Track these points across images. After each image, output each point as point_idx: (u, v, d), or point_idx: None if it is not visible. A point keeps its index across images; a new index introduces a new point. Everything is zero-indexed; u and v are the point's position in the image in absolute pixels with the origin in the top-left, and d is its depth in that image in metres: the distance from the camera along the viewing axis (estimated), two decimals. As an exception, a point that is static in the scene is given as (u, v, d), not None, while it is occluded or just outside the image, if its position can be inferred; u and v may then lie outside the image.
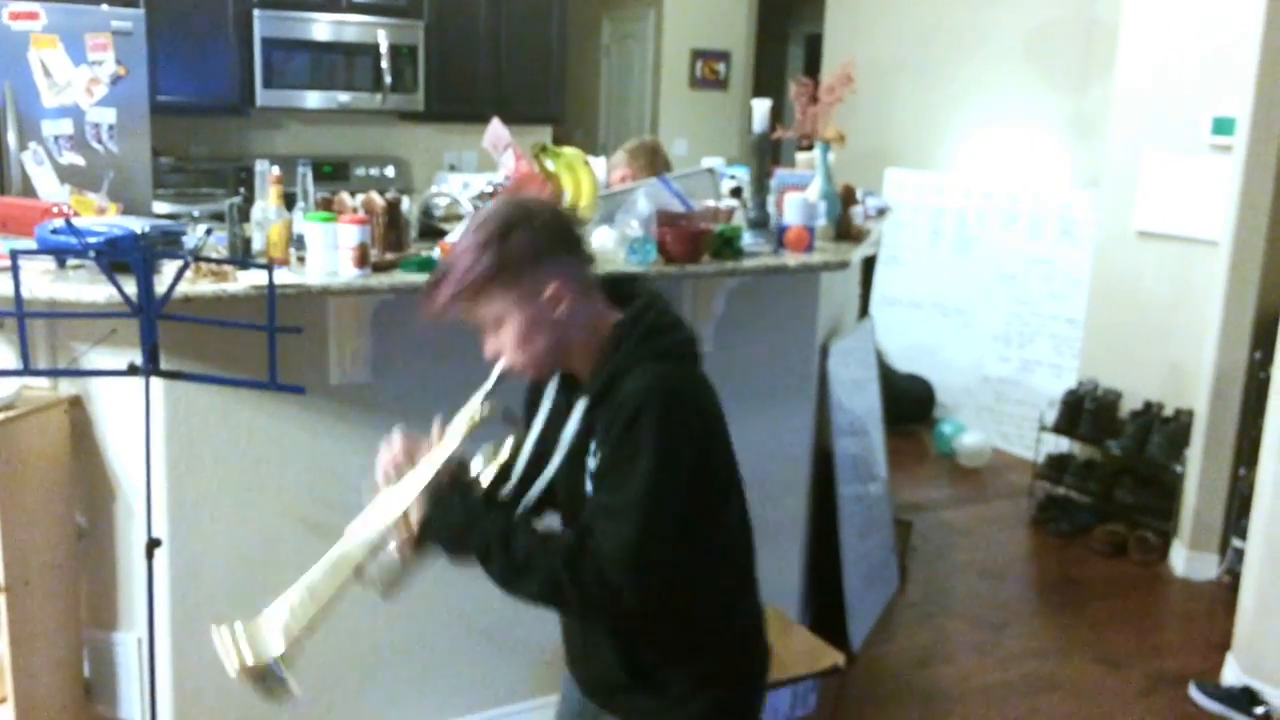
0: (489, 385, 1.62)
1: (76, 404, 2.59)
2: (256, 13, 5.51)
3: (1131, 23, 4.96)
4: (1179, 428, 4.68)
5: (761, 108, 3.21)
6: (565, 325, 1.57)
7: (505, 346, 1.58)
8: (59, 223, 2.46)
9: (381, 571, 1.57)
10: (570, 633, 1.82)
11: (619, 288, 1.68)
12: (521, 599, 1.57)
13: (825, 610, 3.69)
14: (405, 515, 1.58)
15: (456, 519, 1.58)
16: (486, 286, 1.54)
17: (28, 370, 2.28)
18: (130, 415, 2.52)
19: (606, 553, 1.51)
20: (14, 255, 2.20)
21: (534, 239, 1.55)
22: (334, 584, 1.51)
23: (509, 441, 1.68)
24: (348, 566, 1.53)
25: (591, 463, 1.59)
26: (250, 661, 1.41)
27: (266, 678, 1.43)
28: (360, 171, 6.11)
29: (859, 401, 4.04)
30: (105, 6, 4.51)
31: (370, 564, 1.56)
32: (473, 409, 1.63)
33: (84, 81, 4.42)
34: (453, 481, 1.62)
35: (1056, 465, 5.17)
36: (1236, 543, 4.30)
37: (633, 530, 1.50)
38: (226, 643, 1.44)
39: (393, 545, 1.58)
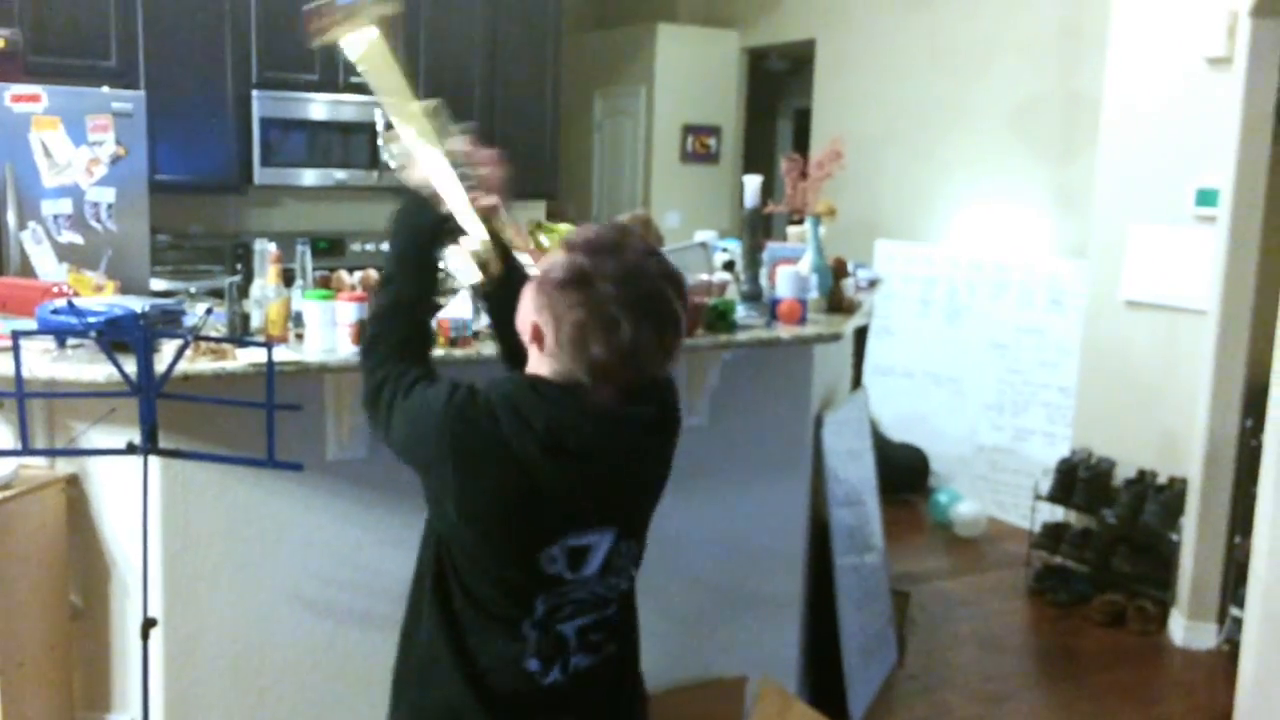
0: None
1: (73, 482, 2.59)
2: (255, 93, 5.61)
3: (1113, 96, 5.07)
4: (1173, 496, 4.68)
5: (752, 183, 3.27)
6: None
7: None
8: (60, 303, 2.49)
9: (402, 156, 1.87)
10: None
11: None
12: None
13: (824, 683, 3.66)
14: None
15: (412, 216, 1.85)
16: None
17: (26, 450, 2.29)
18: (127, 494, 2.52)
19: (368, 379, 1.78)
20: (15, 336, 2.22)
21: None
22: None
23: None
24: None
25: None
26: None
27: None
28: (356, 247, 6.17)
29: (854, 472, 4.05)
30: (106, 89, 4.59)
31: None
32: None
33: (84, 162, 4.48)
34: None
35: (1052, 534, 5.16)
36: (1235, 611, 4.29)
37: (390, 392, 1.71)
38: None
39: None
